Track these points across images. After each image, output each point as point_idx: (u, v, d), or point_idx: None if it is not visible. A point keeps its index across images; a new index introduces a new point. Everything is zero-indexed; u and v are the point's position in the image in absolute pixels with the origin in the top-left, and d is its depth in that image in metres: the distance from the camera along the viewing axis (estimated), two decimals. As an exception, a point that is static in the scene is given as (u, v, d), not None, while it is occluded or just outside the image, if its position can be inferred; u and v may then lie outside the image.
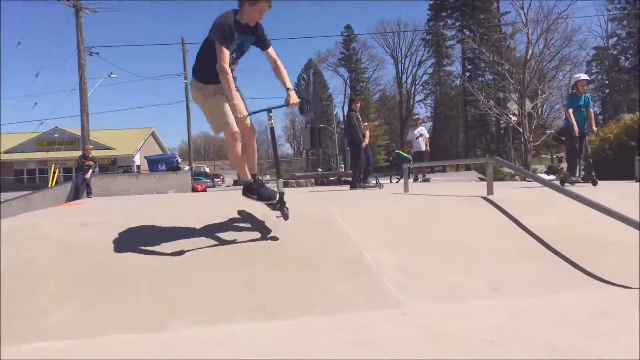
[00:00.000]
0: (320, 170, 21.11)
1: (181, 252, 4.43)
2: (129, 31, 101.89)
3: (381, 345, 3.02)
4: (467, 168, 45.81)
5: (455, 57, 70.24)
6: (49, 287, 3.92)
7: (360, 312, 3.68)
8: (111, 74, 32.18)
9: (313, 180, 17.74)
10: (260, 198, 4.94)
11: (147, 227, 4.98)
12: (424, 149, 16.05)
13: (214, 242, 4.66)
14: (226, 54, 4.33)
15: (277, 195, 4.90)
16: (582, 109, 9.35)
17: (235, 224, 5.08)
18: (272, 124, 4.75)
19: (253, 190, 4.95)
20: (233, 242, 4.69)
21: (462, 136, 71.64)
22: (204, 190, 18.60)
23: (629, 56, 62.04)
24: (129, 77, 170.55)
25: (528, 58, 23.93)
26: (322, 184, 17.03)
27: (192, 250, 4.49)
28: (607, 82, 63.87)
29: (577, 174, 9.41)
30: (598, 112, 60.03)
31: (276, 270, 4.28)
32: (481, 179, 15.74)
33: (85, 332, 3.39)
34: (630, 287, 4.08)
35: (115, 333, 3.37)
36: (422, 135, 16.18)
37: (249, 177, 4.94)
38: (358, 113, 11.47)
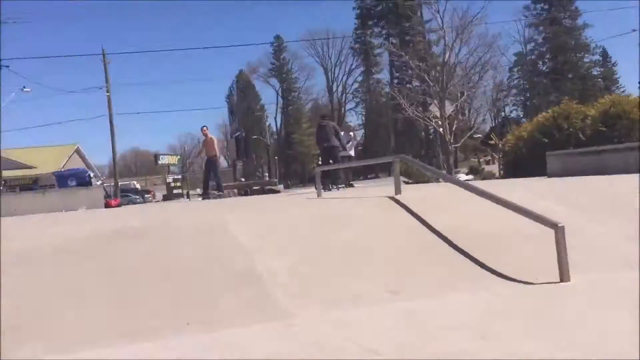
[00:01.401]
0: (243, 180, 20.64)
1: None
2: (45, 43, 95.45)
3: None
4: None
5: (384, 65, 71.35)
6: None
7: (245, 327, 3.34)
8: (24, 87, 30.56)
9: (236, 190, 17.22)
10: None
11: None
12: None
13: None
14: None
15: None
16: None
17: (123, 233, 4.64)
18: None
19: None
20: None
21: (392, 142, 72.71)
22: (118, 205, 17.63)
23: (546, 61, 64.85)
24: (47, 92, 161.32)
25: (445, 60, 24.43)
26: (246, 194, 16.54)
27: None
28: (527, 86, 66.50)
29: None
30: (520, 116, 62.49)
31: (152, 283, 3.88)
32: (406, 182, 15.70)
33: None
34: (532, 283, 3.93)
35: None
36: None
37: None
38: None
